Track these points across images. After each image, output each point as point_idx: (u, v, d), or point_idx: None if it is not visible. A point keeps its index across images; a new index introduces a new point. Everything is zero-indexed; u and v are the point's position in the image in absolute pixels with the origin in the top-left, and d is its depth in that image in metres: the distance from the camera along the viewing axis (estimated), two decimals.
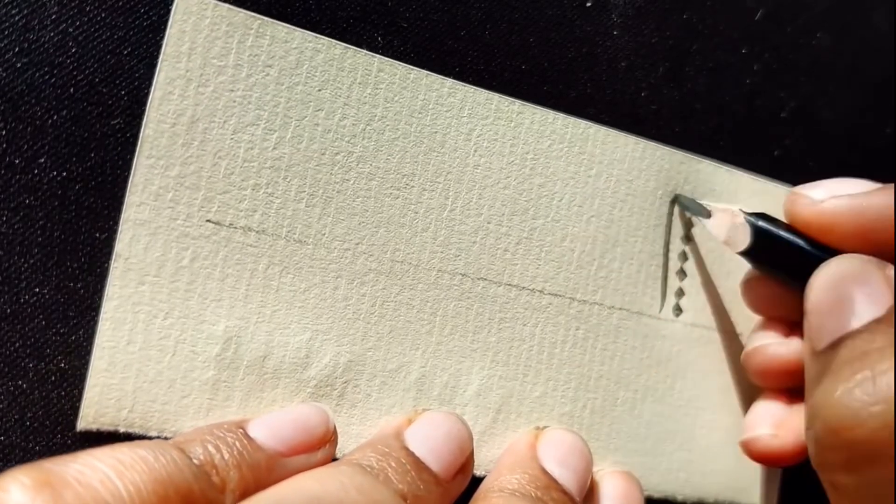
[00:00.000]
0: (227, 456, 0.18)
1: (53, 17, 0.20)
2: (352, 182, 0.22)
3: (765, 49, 0.29)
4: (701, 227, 0.26)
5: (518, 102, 0.24)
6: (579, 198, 0.25)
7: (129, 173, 0.20)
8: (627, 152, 0.25)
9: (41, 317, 0.20)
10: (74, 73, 0.20)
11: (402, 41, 0.23)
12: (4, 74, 0.19)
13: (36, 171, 0.20)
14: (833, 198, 0.22)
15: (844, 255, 0.22)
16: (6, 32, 0.19)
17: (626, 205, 0.25)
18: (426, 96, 0.23)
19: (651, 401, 0.26)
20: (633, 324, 0.25)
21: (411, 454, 0.20)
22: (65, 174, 0.20)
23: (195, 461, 0.18)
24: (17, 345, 0.20)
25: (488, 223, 0.24)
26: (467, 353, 0.23)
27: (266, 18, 0.21)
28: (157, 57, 0.20)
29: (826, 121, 0.30)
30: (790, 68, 0.29)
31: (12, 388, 0.20)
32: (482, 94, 0.23)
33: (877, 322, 0.19)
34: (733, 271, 0.27)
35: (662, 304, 0.26)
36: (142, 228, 0.20)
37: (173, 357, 0.20)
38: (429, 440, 0.21)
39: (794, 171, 0.29)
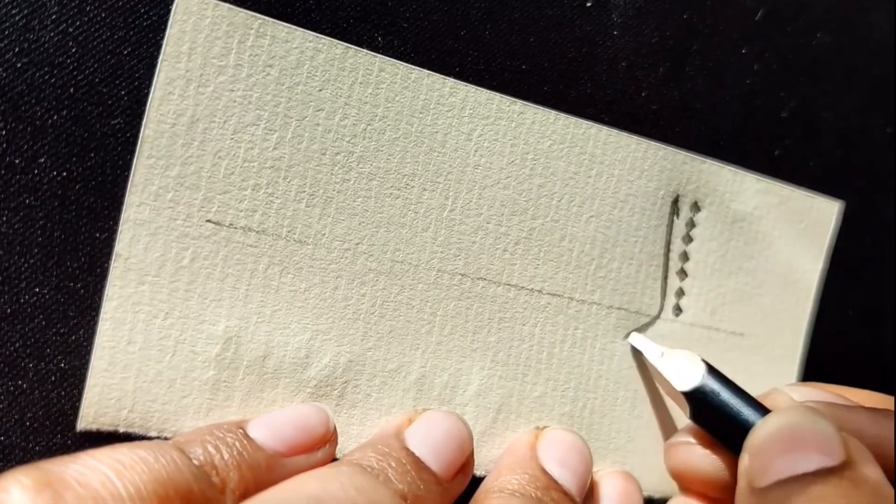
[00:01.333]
0: (226, 456, 0.18)
1: (53, 17, 0.20)
2: (352, 182, 0.22)
3: (765, 49, 0.29)
4: (702, 229, 0.26)
5: (519, 102, 0.24)
6: (579, 198, 0.25)
7: (129, 173, 0.20)
8: (629, 152, 0.25)
9: (41, 317, 0.20)
10: (74, 73, 0.20)
11: (403, 41, 0.23)
12: (5, 74, 0.19)
13: (36, 171, 0.20)
14: (814, 402, 0.22)
15: (800, 407, 0.21)
16: (6, 32, 0.19)
17: (626, 205, 0.25)
18: (427, 96, 0.23)
19: (651, 401, 0.26)
20: (633, 323, 0.25)
21: (411, 454, 0.20)
22: (65, 174, 0.20)
23: (195, 462, 0.18)
24: (17, 345, 0.20)
25: (488, 223, 0.24)
26: (467, 353, 0.23)
27: (266, 18, 0.21)
28: (157, 57, 0.20)
29: (826, 121, 0.30)
30: (790, 68, 0.29)
31: (12, 388, 0.20)
32: (483, 94, 0.23)
33: (829, 472, 0.19)
34: (734, 272, 0.27)
35: (662, 304, 0.26)
36: (142, 228, 0.20)
37: (173, 357, 0.20)
38: (429, 440, 0.21)
39: (794, 171, 0.29)
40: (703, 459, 0.23)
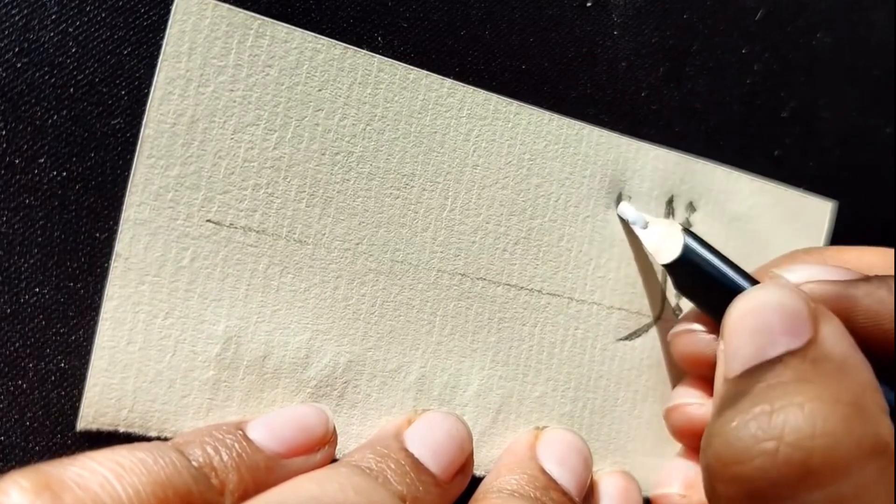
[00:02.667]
0: (226, 458, 0.18)
1: (53, 16, 0.20)
2: (352, 182, 0.22)
3: (765, 49, 0.29)
4: (699, 229, 0.26)
5: (515, 103, 0.24)
6: (575, 198, 0.25)
7: (129, 173, 0.20)
8: (621, 153, 0.25)
9: (41, 317, 0.20)
10: (74, 72, 0.20)
11: (402, 41, 0.23)
12: (4, 74, 0.19)
13: (36, 171, 0.20)
14: (810, 283, 0.21)
15: (769, 283, 0.21)
16: (6, 32, 0.19)
17: (621, 205, 0.25)
18: (426, 96, 0.23)
19: (651, 401, 0.26)
20: (633, 324, 0.26)
21: (410, 455, 0.20)
22: (65, 174, 0.20)
23: (194, 463, 0.18)
24: (17, 345, 0.20)
25: (487, 223, 0.24)
26: (467, 353, 0.23)
27: (266, 18, 0.21)
28: (157, 57, 0.20)
29: (826, 121, 0.30)
30: (790, 68, 0.29)
31: (12, 388, 0.19)
32: (481, 95, 0.23)
33: (791, 354, 0.18)
34: None
35: (663, 305, 0.26)
36: (142, 228, 0.20)
37: (173, 357, 0.20)
38: (428, 441, 0.21)
39: (794, 171, 0.29)
40: (705, 343, 0.22)
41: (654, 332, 0.26)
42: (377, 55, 0.22)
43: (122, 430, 0.20)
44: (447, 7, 0.24)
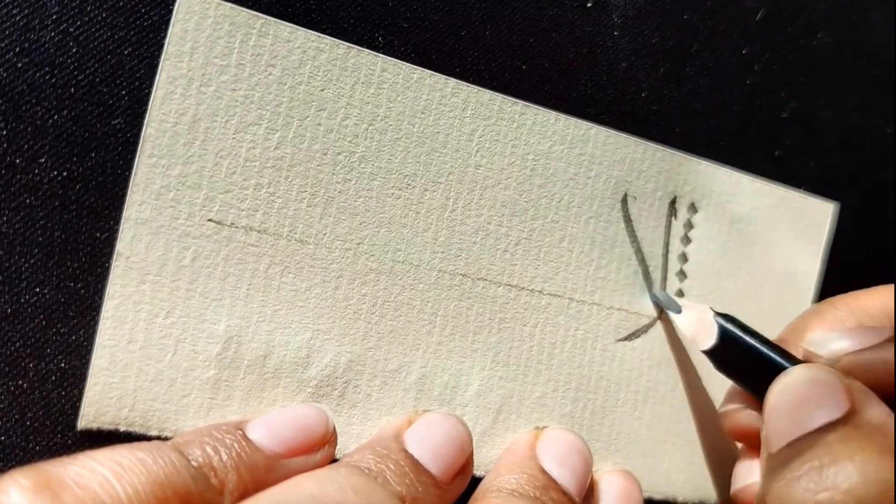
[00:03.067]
0: (225, 458, 0.18)
1: (54, 16, 0.20)
2: (353, 182, 0.22)
3: (765, 49, 0.29)
4: (700, 230, 0.26)
5: (521, 103, 0.24)
6: (578, 199, 0.25)
7: (129, 173, 0.20)
8: (627, 153, 0.25)
9: (41, 317, 0.20)
10: (75, 72, 0.20)
11: (403, 41, 0.23)
12: (5, 74, 0.19)
13: (36, 171, 0.20)
14: (848, 354, 0.22)
15: (806, 364, 0.22)
16: (7, 32, 0.19)
17: (624, 206, 0.25)
18: (429, 96, 0.23)
19: (652, 402, 0.26)
20: (633, 325, 0.26)
21: (410, 456, 0.20)
22: (65, 174, 0.20)
23: (193, 463, 0.18)
24: (18, 345, 0.20)
25: (488, 224, 0.24)
26: (468, 354, 0.23)
27: (269, 18, 0.21)
28: (158, 56, 0.20)
29: (826, 121, 0.30)
30: (790, 68, 0.29)
31: (12, 388, 0.19)
32: (485, 95, 0.23)
33: (832, 423, 0.20)
34: (733, 273, 0.27)
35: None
36: (143, 227, 0.20)
37: (174, 356, 0.20)
38: (428, 442, 0.21)
39: (794, 171, 0.29)
40: (754, 419, 0.23)
41: (653, 332, 0.26)
42: (381, 55, 0.22)
43: (122, 429, 0.20)
44: (448, 7, 0.24)
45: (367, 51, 0.22)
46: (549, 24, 0.25)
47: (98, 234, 0.20)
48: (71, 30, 0.20)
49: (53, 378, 0.20)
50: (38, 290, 0.20)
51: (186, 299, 0.20)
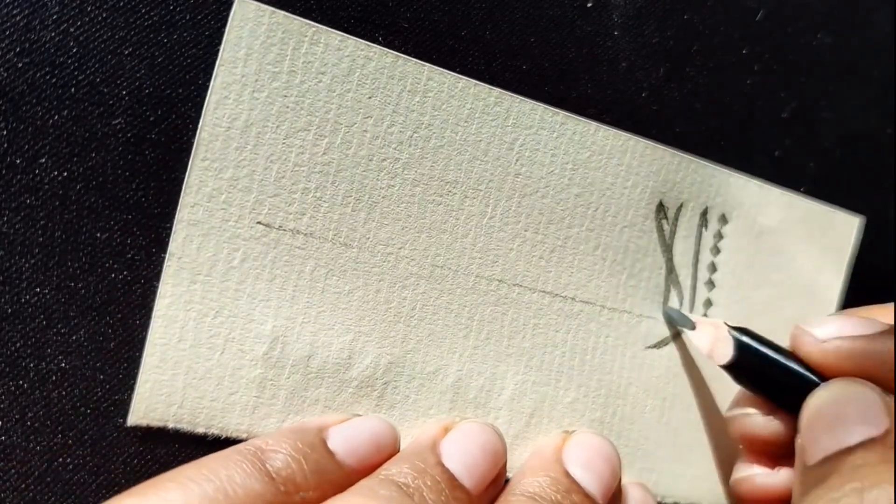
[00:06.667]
0: (309, 475, 0.19)
1: (54, 16, 0.20)
2: (397, 188, 0.22)
3: (765, 49, 0.29)
4: (730, 241, 0.27)
5: (562, 113, 0.24)
6: (614, 208, 0.25)
7: (129, 173, 0.20)
8: (663, 164, 0.26)
9: (41, 317, 0.20)
10: (75, 72, 0.20)
11: (403, 41, 0.23)
12: (6, 74, 0.19)
13: (37, 171, 0.20)
14: (837, 339, 0.23)
15: (844, 379, 0.22)
16: (7, 32, 0.19)
17: (658, 215, 0.26)
18: (473, 105, 0.23)
19: (679, 408, 0.26)
20: (662, 332, 0.26)
21: (446, 471, 0.21)
22: (66, 174, 0.20)
23: (277, 477, 0.19)
24: (18, 345, 0.20)
25: (525, 231, 0.24)
26: (502, 358, 0.24)
27: (320, 26, 0.21)
28: (157, 56, 0.20)
29: (826, 121, 0.30)
30: (790, 68, 0.29)
31: (12, 388, 0.20)
32: (527, 105, 0.24)
33: (872, 441, 0.20)
34: (762, 284, 0.27)
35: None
36: (195, 229, 0.20)
37: (222, 355, 0.21)
38: (464, 456, 0.21)
39: (794, 172, 0.29)
40: (761, 426, 0.24)
41: (681, 341, 0.26)
42: (427, 64, 0.23)
43: (171, 425, 0.20)
44: (448, 7, 0.24)
45: (415, 60, 0.22)
46: (550, 24, 0.25)
47: (98, 234, 0.20)
48: (71, 30, 0.20)
49: (53, 378, 0.20)
50: (38, 290, 0.20)
51: (235, 299, 0.21)
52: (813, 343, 0.23)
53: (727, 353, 0.23)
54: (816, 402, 0.21)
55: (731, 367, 0.24)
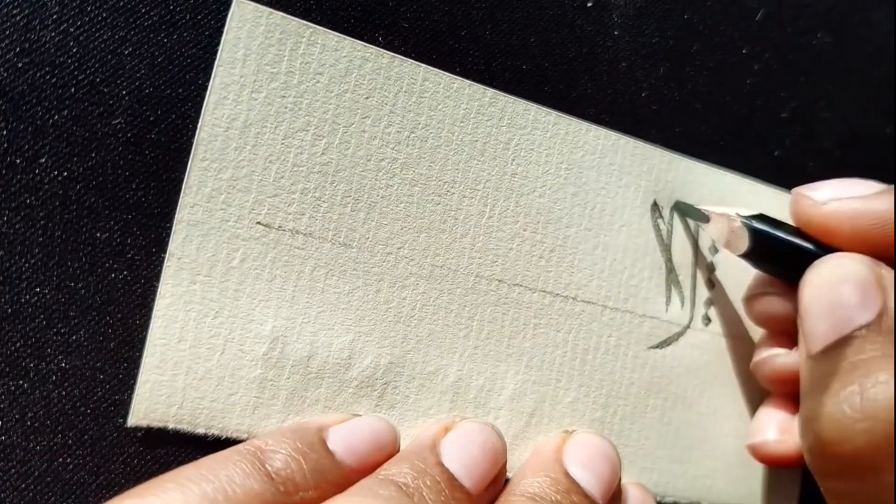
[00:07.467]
0: (308, 475, 0.19)
1: (54, 16, 0.20)
2: (395, 188, 0.23)
3: (765, 49, 0.29)
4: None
5: (554, 113, 0.24)
6: (610, 207, 0.25)
7: (129, 173, 0.20)
8: (654, 163, 0.26)
9: (41, 317, 0.20)
10: (75, 72, 0.20)
11: (403, 41, 0.23)
12: (5, 74, 0.19)
13: (37, 171, 0.20)
14: (835, 200, 0.23)
15: (835, 255, 0.22)
16: (7, 32, 0.19)
17: (654, 214, 0.26)
18: (468, 105, 0.23)
19: (680, 408, 0.26)
20: (664, 332, 0.26)
21: (446, 471, 0.21)
22: (66, 174, 0.20)
23: (276, 478, 0.19)
24: (18, 345, 0.20)
25: (524, 230, 0.24)
26: (502, 358, 0.24)
27: (318, 27, 0.21)
28: (157, 56, 0.20)
29: (826, 121, 0.30)
30: (790, 68, 0.29)
31: (12, 388, 0.19)
32: (521, 105, 0.24)
33: (867, 328, 0.20)
34: None
35: (692, 314, 0.26)
36: (195, 229, 0.21)
37: (222, 355, 0.21)
38: (464, 456, 0.21)
39: (794, 172, 0.29)
40: (780, 306, 0.24)
41: (683, 340, 0.26)
42: (422, 64, 0.23)
43: (171, 426, 0.20)
44: (448, 7, 0.24)
45: (411, 61, 0.23)
46: (550, 24, 0.25)
47: (98, 234, 0.20)
48: (71, 30, 0.20)
49: (53, 378, 0.20)
50: (38, 290, 0.20)
51: (235, 300, 0.21)
52: (811, 206, 0.23)
53: (743, 242, 0.24)
54: (810, 285, 0.21)
55: (748, 256, 0.24)
